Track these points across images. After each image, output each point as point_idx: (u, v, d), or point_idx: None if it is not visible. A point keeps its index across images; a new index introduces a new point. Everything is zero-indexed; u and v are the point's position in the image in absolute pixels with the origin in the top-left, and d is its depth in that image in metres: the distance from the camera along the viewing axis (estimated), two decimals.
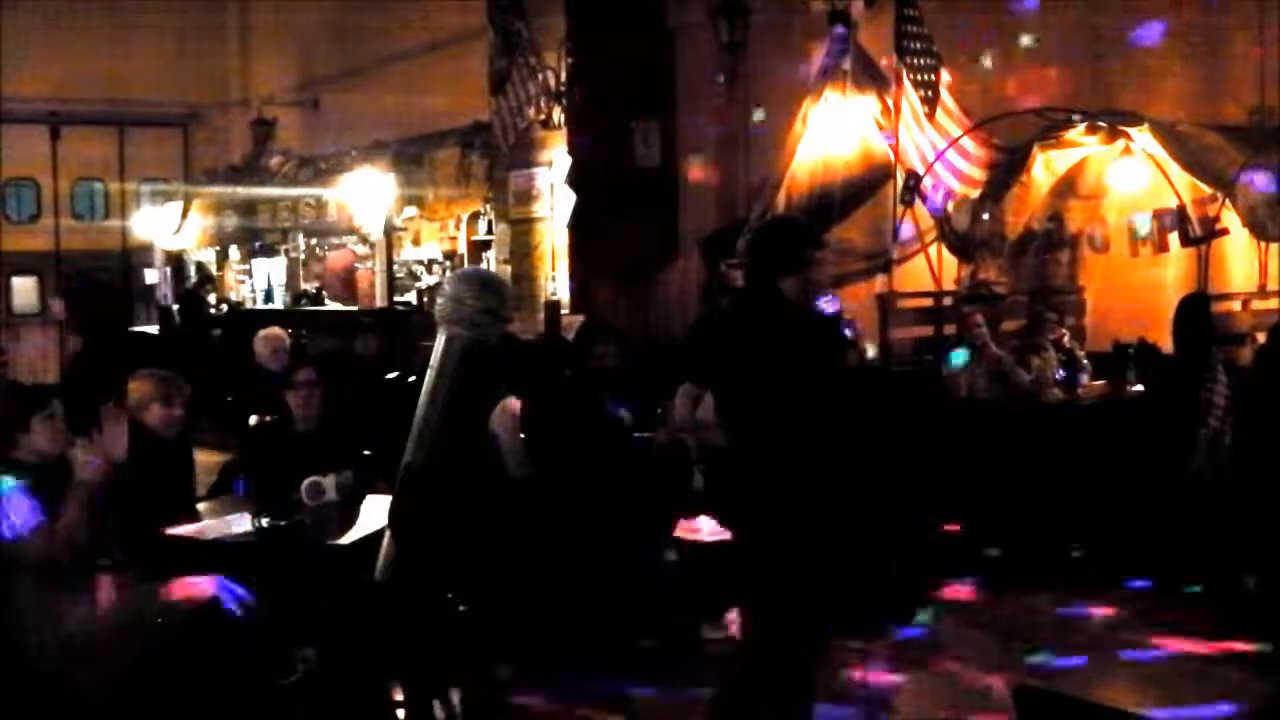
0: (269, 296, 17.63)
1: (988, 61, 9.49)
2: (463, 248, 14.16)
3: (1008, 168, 9.22)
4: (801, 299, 4.36)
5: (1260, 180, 8.24)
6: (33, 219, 19.93)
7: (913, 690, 5.84)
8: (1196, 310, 7.41)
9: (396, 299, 14.91)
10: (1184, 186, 8.55)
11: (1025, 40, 9.33)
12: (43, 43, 18.18)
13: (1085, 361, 8.96)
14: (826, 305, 4.43)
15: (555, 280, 11.83)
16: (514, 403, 6.07)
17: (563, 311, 11.19)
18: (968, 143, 9.10)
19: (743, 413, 4.42)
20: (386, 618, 4.68)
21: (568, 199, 11.21)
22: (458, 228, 14.25)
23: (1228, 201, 8.32)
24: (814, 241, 4.55)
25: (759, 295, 4.45)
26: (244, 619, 4.67)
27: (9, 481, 4.47)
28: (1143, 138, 8.56)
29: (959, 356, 8.29)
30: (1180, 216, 8.54)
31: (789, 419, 4.32)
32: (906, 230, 9.10)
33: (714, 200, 11.00)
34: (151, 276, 19.76)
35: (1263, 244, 8.75)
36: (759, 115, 10.42)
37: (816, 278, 4.40)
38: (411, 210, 14.63)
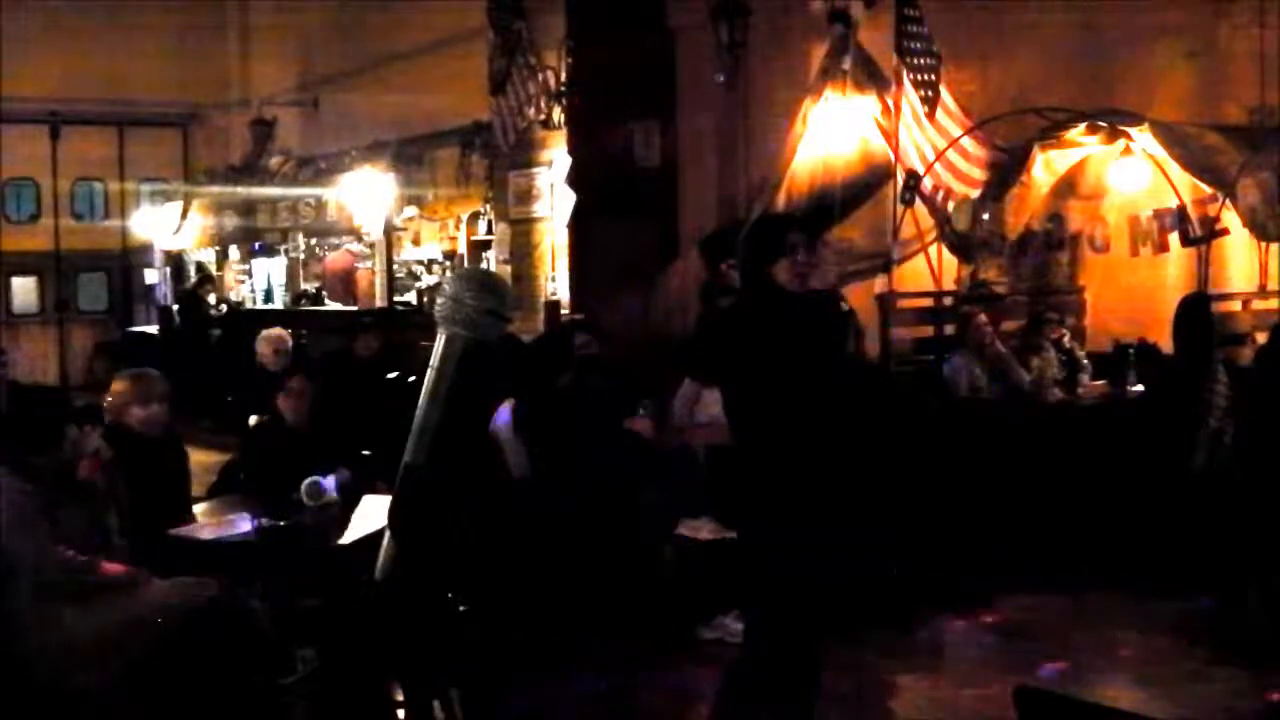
0: (269, 296, 17.61)
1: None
2: (463, 248, 14.14)
3: (1008, 168, 9.21)
4: (796, 283, 4.44)
5: (1261, 180, 8.25)
6: (33, 219, 19.90)
7: (914, 691, 5.84)
8: (1196, 310, 7.40)
9: (396, 299, 14.90)
10: (1184, 186, 8.55)
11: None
12: (43, 43, 18.14)
13: (1085, 361, 8.96)
14: (817, 282, 4.51)
15: (555, 280, 11.81)
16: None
17: (563, 311, 11.18)
18: (968, 143, 9.10)
19: (751, 407, 4.44)
20: (386, 618, 4.68)
21: (568, 199, 11.19)
22: (458, 228, 14.23)
23: (1228, 201, 8.33)
24: (795, 226, 4.65)
25: (755, 289, 4.52)
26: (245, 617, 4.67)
27: None
28: (1143, 138, 8.56)
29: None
30: (1180, 216, 8.55)
31: (798, 402, 4.35)
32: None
33: (714, 200, 10.98)
34: (151, 276, 19.75)
35: (1263, 244, 8.76)
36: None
37: (805, 259, 4.48)
38: (411, 210, 14.62)
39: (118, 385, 5.68)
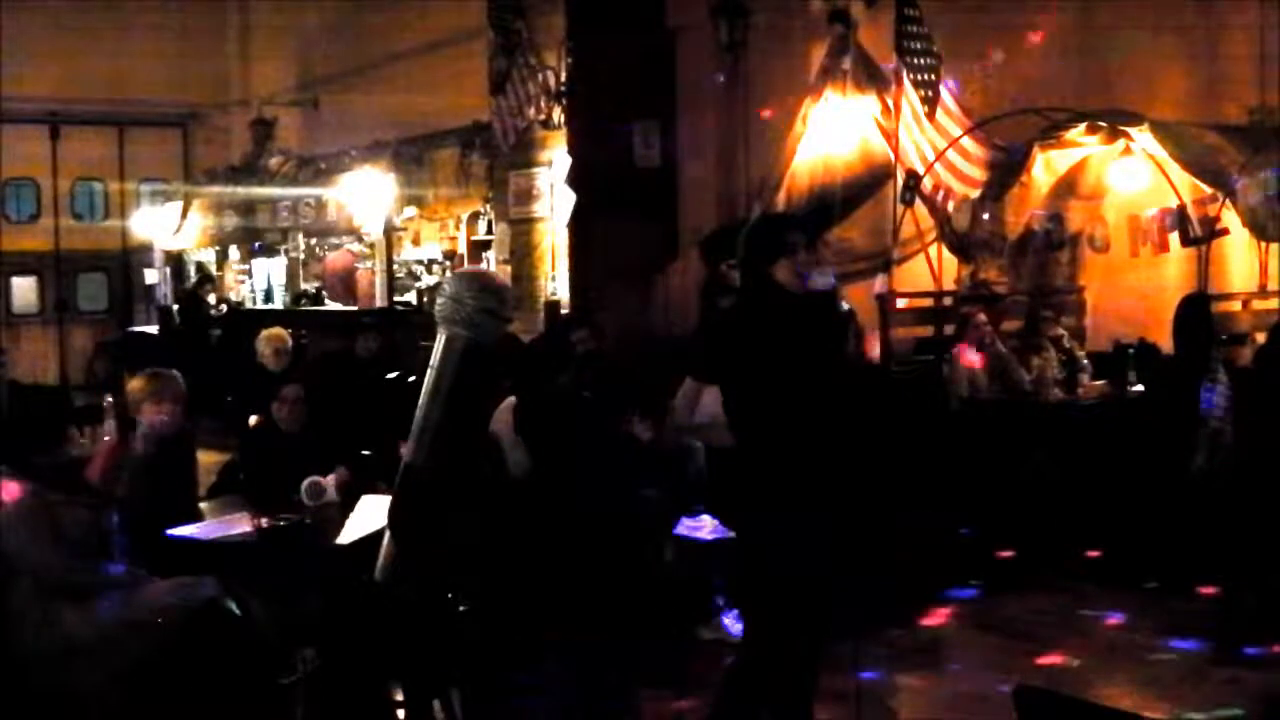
0: (269, 296, 17.61)
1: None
2: (463, 248, 14.14)
3: (1008, 168, 9.21)
4: (796, 283, 4.43)
5: (1261, 180, 8.25)
6: (32, 219, 19.90)
7: (914, 691, 5.84)
8: (1196, 310, 7.40)
9: (396, 299, 14.90)
10: (1184, 186, 8.55)
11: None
12: (43, 43, 18.15)
13: (1085, 361, 8.96)
14: (819, 279, 4.48)
15: (555, 280, 11.81)
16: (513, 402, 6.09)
17: (563, 311, 11.18)
18: (968, 143, 9.09)
19: (752, 407, 4.44)
20: (386, 618, 4.68)
21: (568, 199, 11.19)
22: (458, 228, 14.23)
23: (1228, 201, 8.33)
24: (796, 226, 4.65)
25: (756, 288, 4.52)
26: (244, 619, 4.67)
27: None
28: (1143, 138, 8.56)
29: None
30: (1180, 216, 8.55)
31: (798, 402, 4.35)
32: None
33: (714, 200, 10.99)
34: (151, 276, 19.73)
35: (1263, 244, 8.76)
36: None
37: (806, 259, 4.47)
38: (411, 210, 14.61)
39: (135, 383, 5.72)
